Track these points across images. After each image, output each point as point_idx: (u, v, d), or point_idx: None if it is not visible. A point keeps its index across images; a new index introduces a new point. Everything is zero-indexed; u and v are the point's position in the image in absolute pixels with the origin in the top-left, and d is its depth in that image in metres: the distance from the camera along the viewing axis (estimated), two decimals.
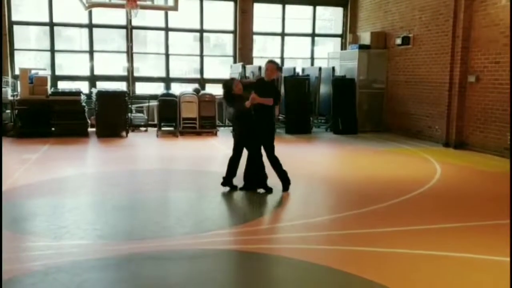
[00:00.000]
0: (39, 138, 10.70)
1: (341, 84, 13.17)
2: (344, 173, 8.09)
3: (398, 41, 12.58)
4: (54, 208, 5.69)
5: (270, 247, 4.50)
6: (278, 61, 14.92)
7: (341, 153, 10.37)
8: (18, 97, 11.38)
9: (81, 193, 6.38)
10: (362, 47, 13.40)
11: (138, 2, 9.78)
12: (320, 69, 13.53)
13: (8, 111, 11.58)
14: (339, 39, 15.54)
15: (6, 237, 4.39)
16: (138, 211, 5.62)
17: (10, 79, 12.54)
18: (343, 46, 15.25)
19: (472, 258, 4.28)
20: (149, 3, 9.91)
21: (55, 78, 13.20)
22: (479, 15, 10.00)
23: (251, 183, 6.40)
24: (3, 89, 11.53)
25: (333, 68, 13.64)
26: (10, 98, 11.61)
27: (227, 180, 6.43)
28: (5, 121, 11.41)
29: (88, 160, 9.02)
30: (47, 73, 12.62)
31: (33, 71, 11.89)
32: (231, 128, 13.08)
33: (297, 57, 15.67)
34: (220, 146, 10.61)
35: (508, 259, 4.04)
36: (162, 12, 13.57)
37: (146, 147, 10.54)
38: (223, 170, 6.61)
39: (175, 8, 10.12)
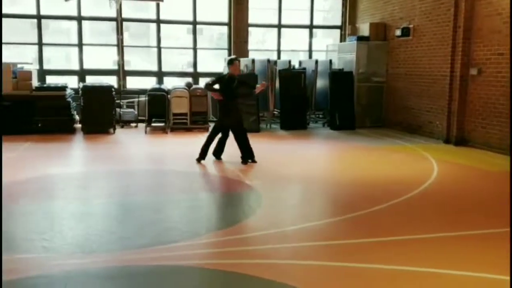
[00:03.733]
0: (22, 135, 10.31)
1: (339, 78, 12.63)
2: (335, 173, 7.60)
3: (398, 32, 12.00)
4: (7, 215, 5.27)
5: (234, 262, 4.03)
6: (275, 54, 14.51)
7: (335, 150, 9.87)
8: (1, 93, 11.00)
9: (43, 196, 5.97)
10: (361, 39, 12.84)
11: None
12: (316, 62, 13.00)
13: None
14: (338, 30, 14.97)
15: None
16: (98, 218, 5.18)
17: None
18: (342, 38, 14.68)
19: (463, 276, 3.79)
20: None
21: (43, 73, 12.80)
22: (481, 4, 9.40)
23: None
24: None
25: (331, 61, 13.09)
26: None
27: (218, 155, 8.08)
28: None
29: (65, 159, 8.60)
30: (34, 67, 12.23)
31: (18, 66, 11.52)
32: None
33: (295, 50, 15.12)
34: None
35: (508, 277, 3.54)
36: (153, 4, 13.13)
37: (132, 145, 10.12)
38: (208, 171, 6.60)
39: None
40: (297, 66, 13.49)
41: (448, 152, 9.31)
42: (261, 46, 15.66)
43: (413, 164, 8.28)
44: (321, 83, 13.00)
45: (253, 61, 12.37)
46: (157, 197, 6.05)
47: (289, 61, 12.91)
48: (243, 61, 12.84)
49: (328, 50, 14.61)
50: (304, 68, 12.86)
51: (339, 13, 14.99)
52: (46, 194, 6.13)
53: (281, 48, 14.57)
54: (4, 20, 12.63)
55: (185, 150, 9.40)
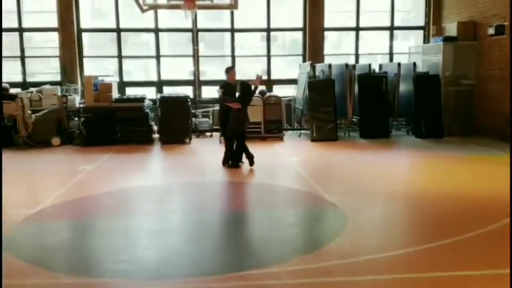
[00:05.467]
0: (103, 146, 10.56)
1: (424, 82, 11.74)
2: (424, 187, 6.85)
3: (491, 30, 10.92)
4: (84, 231, 5.21)
5: None
6: (352, 58, 13.86)
7: (422, 161, 9.06)
8: (83, 105, 11.38)
9: (120, 212, 5.86)
10: (447, 40, 11.85)
11: (196, 2, 9.22)
12: (399, 65, 12.20)
13: (76, 119, 11.60)
14: (421, 31, 14.02)
15: (14, 267, 3.92)
16: (174, 237, 4.93)
17: (79, 87, 12.64)
18: (426, 39, 13.71)
19: None
20: (207, 2, 9.30)
21: (123, 85, 13.12)
22: None
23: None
24: (69, 96, 11.63)
25: (415, 64, 12.21)
26: (77, 106, 11.65)
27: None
28: (72, 129, 11.45)
29: (143, 171, 8.59)
30: (114, 79, 12.56)
31: (99, 78, 11.86)
32: (297, 131, 12.27)
33: (374, 53, 14.36)
34: (285, 153, 9.74)
35: None
36: (227, 14, 13.05)
37: (206, 155, 9.96)
38: (287, 184, 6.55)
39: (234, 6, 9.44)
40: (377, 70, 12.76)
41: None
42: (337, 51, 15.08)
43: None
44: (404, 87, 12.17)
45: (329, 66, 11.83)
46: (233, 214, 5.73)
47: (369, 65, 12.22)
48: (319, 66, 12.37)
49: (411, 52, 13.71)
50: (385, 72, 12.10)
51: (421, 13, 14.07)
52: (123, 209, 6.03)
53: (359, 52, 13.88)
54: (87, 34, 13.19)
55: (259, 160, 9.05)
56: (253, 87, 8.35)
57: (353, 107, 11.94)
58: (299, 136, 11.97)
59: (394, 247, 4.56)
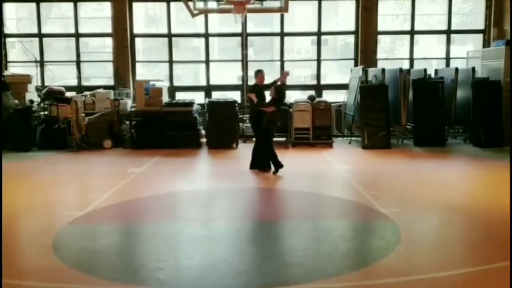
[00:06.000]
0: (152, 149, 10.67)
1: (484, 88, 11.09)
2: (483, 201, 6.35)
3: None
4: (128, 235, 5.18)
5: None
6: (407, 62, 13.34)
7: (480, 171, 8.50)
8: (134, 109, 11.57)
9: (165, 216, 5.81)
10: (510, 43, 11.13)
11: (246, 6, 9.14)
12: (456, 70, 11.59)
13: (128, 122, 11.81)
14: (480, 35, 13.29)
15: (60, 271, 3.90)
16: (217, 245, 4.79)
17: (131, 91, 12.88)
18: (486, 43, 12.98)
19: None
20: (257, 5, 9.20)
21: (173, 89, 13.26)
22: None
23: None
24: (122, 100, 11.86)
25: (473, 69, 11.56)
26: (129, 109, 11.86)
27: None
28: (124, 132, 11.66)
29: (189, 175, 8.56)
30: (165, 84, 12.71)
31: (150, 83, 12.03)
32: (348, 138, 11.91)
33: (429, 58, 13.78)
34: (334, 161, 9.43)
35: None
36: (277, 18, 12.92)
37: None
38: (336, 193, 6.45)
39: (285, 9, 9.28)
40: (433, 75, 12.19)
41: None
42: (390, 55, 14.62)
43: None
44: (462, 93, 11.54)
45: (383, 70, 11.41)
46: (278, 223, 5.54)
47: (425, 70, 11.67)
48: (372, 71, 11.98)
49: (469, 57, 13.00)
50: (442, 78, 11.52)
51: (480, 16, 13.34)
52: (167, 213, 5.98)
53: (414, 56, 13.33)
54: (141, 39, 13.47)
55: (307, 168, 8.85)
56: (280, 83, 8.53)
57: (407, 113, 11.43)
58: (350, 143, 11.61)
59: (452, 266, 4.20)
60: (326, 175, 8.30)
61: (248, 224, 5.53)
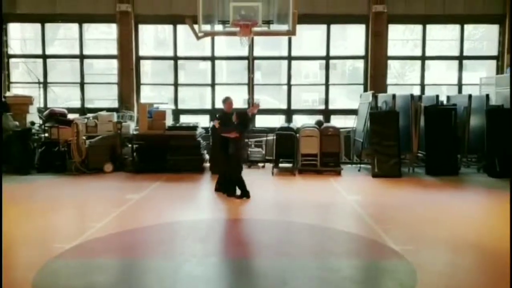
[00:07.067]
0: (154, 174, 10.33)
1: (498, 115, 10.69)
2: (501, 239, 5.87)
3: None
4: (118, 273, 4.78)
5: None
6: (417, 88, 13.00)
7: (497, 204, 8.01)
8: (137, 132, 11.27)
9: (160, 250, 5.38)
10: None
11: (253, 29, 8.88)
12: (470, 97, 11.22)
13: (130, 145, 11.50)
14: (493, 61, 12.97)
15: None
16: (213, 286, 4.36)
17: (135, 114, 12.60)
18: (499, 70, 12.64)
19: None
20: (264, 29, 8.95)
21: (178, 112, 12.97)
22: None
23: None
24: (124, 123, 11.57)
25: (487, 96, 11.18)
26: (132, 132, 11.56)
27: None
28: (126, 156, 11.34)
29: (190, 204, 8.15)
30: (169, 107, 12.44)
31: (154, 105, 11.76)
32: (357, 166, 11.49)
33: (440, 84, 13.44)
34: (342, 190, 8.99)
35: None
36: (285, 41, 12.70)
37: (258, 188, 9.35)
38: (344, 227, 6.11)
39: (292, 33, 9.00)
40: (445, 102, 11.83)
41: None
42: (400, 80, 14.30)
43: None
44: (476, 121, 11.14)
45: (393, 96, 11.06)
46: (281, 260, 5.08)
47: (436, 96, 11.32)
48: (381, 97, 11.63)
49: (482, 83, 12.65)
50: (455, 104, 11.13)
51: (493, 42, 13.07)
52: (162, 247, 5.54)
53: (425, 82, 13.00)
54: (149, 62, 13.32)
55: (313, 197, 8.42)
56: (250, 114, 8.42)
57: (418, 141, 11.03)
58: (359, 170, 11.18)
59: None
60: (334, 205, 7.85)
61: (249, 262, 5.10)
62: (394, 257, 5.10)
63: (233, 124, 8.17)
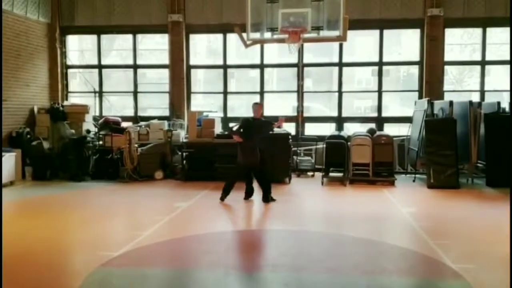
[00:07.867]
0: (203, 182, 10.36)
1: None
2: None
3: None
4: (160, 284, 4.71)
5: None
6: (477, 94, 12.32)
7: None
8: (187, 140, 11.38)
9: (204, 261, 5.31)
10: None
11: (302, 35, 8.72)
12: None
13: (180, 153, 11.62)
14: None
15: None
16: None
17: (186, 122, 12.74)
18: None
19: None
20: (313, 35, 8.77)
21: (227, 120, 13.00)
22: None
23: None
24: (175, 131, 11.71)
25: None
26: (182, 140, 11.68)
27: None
28: (176, 163, 11.47)
29: (236, 213, 8.06)
30: (218, 115, 12.49)
31: (204, 114, 11.84)
32: (411, 176, 11.00)
33: (501, 90, 12.67)
34: (396, 201, 8.60)
35: None
36: (337, 48, 12.44)
37: (306, 199, 9.22)
38: (397, 241, 5.88)
39: (343, 38, 8.75)
40: (507, 109, 11.11)
41: None
42: (457, 87, 13.63)
43: None
44: None
45: (450, 103, 10.51)
46: (330, 277, 4.84)
47: (498, 103, 10.65)
48: (438, 104, 11.10)
49: None
50: None
51: None
52: (207, 258, 5.45)
53: (485, 88, 12.30)
54: (201, 71, 13.48)
55: (365, 208, 8.09)
56: (274, 127, 8.78)
57: (478, 150, 10.42)
58: (414, 181, 10.69)
59: None
60: (387, 218, 7.49)
61: (295, 276, 4.90)
62: (451, 277, 4.76)
63: (255, 131, 8.29)
